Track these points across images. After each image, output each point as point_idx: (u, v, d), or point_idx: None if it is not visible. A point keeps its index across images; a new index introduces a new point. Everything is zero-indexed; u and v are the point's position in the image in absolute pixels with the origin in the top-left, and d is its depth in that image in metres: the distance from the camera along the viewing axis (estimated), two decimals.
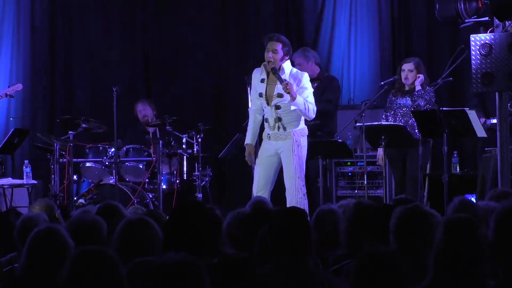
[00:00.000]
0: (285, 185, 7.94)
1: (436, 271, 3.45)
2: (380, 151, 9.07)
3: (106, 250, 3.42)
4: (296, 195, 7.84)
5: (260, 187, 8.00)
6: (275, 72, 7.89)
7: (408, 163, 8.92)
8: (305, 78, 7.98)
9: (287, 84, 7.75)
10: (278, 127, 7.97)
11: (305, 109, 7.81)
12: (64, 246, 3.89)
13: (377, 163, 9.35)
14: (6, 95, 9.99)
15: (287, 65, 8.00)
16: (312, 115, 7.91)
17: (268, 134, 8.06)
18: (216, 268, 3.08)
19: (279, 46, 7.93)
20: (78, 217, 4.80)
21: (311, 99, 7.93)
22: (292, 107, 7.82)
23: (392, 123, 8.93)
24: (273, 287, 3.43)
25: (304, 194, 7.89)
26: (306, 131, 8.06)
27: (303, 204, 7.81)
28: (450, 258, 3.44)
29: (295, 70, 8.09)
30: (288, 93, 7.75)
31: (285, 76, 7.91)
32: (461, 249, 3.45)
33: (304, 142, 7.99)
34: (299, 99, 7.78)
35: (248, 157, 8.18)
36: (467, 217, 3.64)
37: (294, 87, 7.83)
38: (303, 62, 9.79)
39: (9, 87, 10.17)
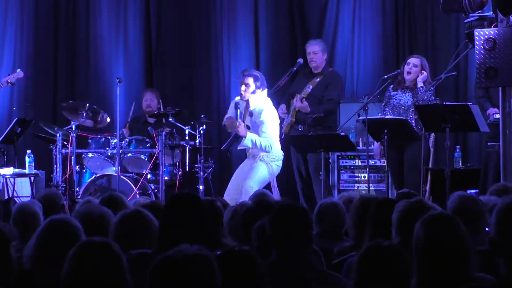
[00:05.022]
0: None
1: (420, 271, 3.42)
2: (377, 145, 9.08)
3: (109, 242, 3.40)
4: (234, 199, 8.40)
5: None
6: (236, 108, 8.86)
7: (406, 155, 8.90)
8: (264, 113, 8.84)
9: (238, 124, 8.72)
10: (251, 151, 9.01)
11: (256, 145, 8.78)
12: (77, 237, 3.80)
13: (375, 157, 9.34)
14: (8, 82, 9.97)
15: (254, 99, 8.87)
16: (267, 149, 8.79)
17: (248, 151, 9.08)
18: (217, 260, 3.08)
19: (251, 80, 8.92)
20: (86, 208, 4.77)
21: (269, 132, 8.81)
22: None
23: (394, 117, 8.91)
24: (273, 280, 3.43)
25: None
26: (276, 157, 8.91)
27: None
28: (432, 257, 3.42)
29: (261, 105, 8.89)
30: (237, 132, 8.75)
31: (251, 108, 8.87)
32: (441, 247, 3.43)
33: (272, 165, 8.82)
34: (248, 138, 8.72)
35: None
36: (446, 214, 3.63)
37: (257, 120, 8.78)
38: (319, 51, 9.79)
39: (9, 75, 10.16)
